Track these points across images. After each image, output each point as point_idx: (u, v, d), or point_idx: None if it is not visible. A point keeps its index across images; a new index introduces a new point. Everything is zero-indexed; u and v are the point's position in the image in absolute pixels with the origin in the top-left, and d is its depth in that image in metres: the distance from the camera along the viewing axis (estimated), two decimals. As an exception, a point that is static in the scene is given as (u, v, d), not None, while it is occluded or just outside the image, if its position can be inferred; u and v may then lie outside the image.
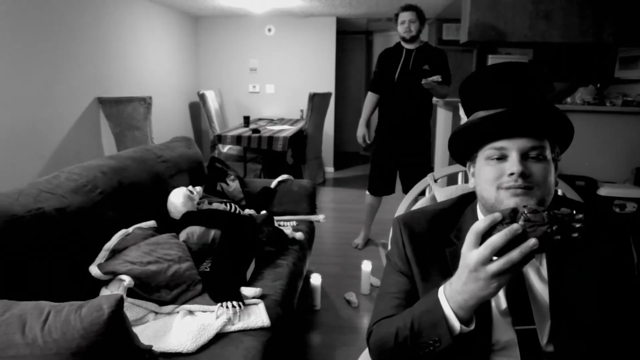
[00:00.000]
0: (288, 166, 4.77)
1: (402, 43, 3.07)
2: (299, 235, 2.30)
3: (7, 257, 1.27)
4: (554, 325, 0.84)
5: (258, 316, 1.54)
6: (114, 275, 1.53)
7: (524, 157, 0.82)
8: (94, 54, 3.66)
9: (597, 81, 3.42)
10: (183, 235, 1.91)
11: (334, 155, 6.14)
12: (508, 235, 0.66)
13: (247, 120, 5.07)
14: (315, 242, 2.78)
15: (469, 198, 0.99)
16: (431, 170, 3.15)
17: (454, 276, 0.74)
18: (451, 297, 0.74)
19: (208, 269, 1.79)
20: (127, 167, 2.02)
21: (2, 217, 1.30)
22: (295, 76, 5.91)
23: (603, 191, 2.94)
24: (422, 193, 1.55)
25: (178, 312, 1.57)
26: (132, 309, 1.49)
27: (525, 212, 0.67)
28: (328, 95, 5.19)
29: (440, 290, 0.77)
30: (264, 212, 2.41)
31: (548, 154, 0.84)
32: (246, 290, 1.65)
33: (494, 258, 0.67)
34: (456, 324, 0.74)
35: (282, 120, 5.60)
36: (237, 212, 2.31)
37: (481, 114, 0.88)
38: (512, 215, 0.69)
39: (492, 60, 3.62)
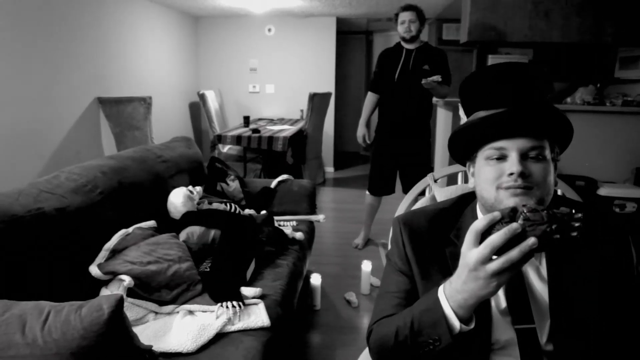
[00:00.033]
0: (288, 166, 4.77)
1: (402, 43, 3.07)
2: (299, 235, 2.30)
3: (7, 257, 1.27)
4: (553, 325, 0.84)
5: (258, 316, 1.54)
6: (114, 275, 1.53)
7: (523, 157, 0.83)
8: (94, 54, 3.66)
9: (597, 81, 3.42)
10: (183, 235, 1.91)
11: (334, 155, 6.14)
12: (507, 235, 0.66)
13: (247, 120, 5.07)
14: (315, 242, 2.78)
15: (469, 198, 0.99)
16: (431, 170, 3.15)
17: (454, 275, 0.74)
18: (451, 296, 0.74)
19: (208, 269, 1.79)
20: (127, 167, 2.02)
21: (2, 217, 1.30)
22: (295, 76, 5.91)
23: (603, 191, 2.94)
24: (422, 193, 1.55)
25: (178, 312, 1.57)
26: (132, 309, 1.49)
27: (525, 211, 0.68)
28: (328, 95, 5.19)
29: (440, 289, 0.77)
30: (264, 212, 2.41)
31: (547, 154, 0.85)
32: (246, 290, 1.65)
33: (494, 257, 0.68)
34: (456, 323, 0.74)
35: (282, 120, 5.60)
36: (237, 212, 2.31)
37: (481, 114, 0.88)
38: (511, 215, 0.69)
39: (492, 60, 3.62)
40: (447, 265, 0.89)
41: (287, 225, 2.49)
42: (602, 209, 0.95)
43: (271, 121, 5.54)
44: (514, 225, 0.67)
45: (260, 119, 5.75)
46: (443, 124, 4.43)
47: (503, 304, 0.87)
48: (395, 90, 3.06)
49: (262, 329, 1.51)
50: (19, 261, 1.30)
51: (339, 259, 3.22)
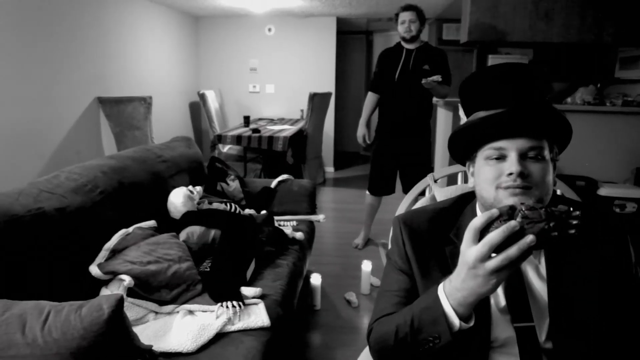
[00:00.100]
0: (288, 166, 4.77)
1: (403, 43, 3.07)
2: (299, 235, 2.30)
3: (7, 256, 1.27)
4: (552, 323, 0.85)
5: (258, 316, 1.54)
6: (114, 275, 1.53)
7: (522, 157, 0.83)
8: (94, 54, 3.66)
9: (598, 81, 3.42)
10: (183, 235, 1.91)
11: (334, 155, 6.15)
12: (506, 232, 0.67)
13: (247, 120, 5.07)
14: (316, 242, 2.78)
15: (469, 197, 1.00)
16: (431, 170, 3.15)
17: (454, 273, 0.75)
18: (451, 294, 0.75)
19: (208, 269, 1.79)
20: (127, 167, 2.02)
21: (2, 217, 1.30)
22: (295, 76, 5.91)
23: (603, 191, 2.94)
24: (422, 193, 1.55)
25: (178, 312, 1.57)
26: (132, 309, 1.49)
27: (523, 209, 0.68)
28: (328, 95, 5.19)
29: (440, 287, 0.78)
30: (264, 212, 2.41)
31: (547, 154, 0.85)
32: (246, 290, 1.65)
33: (493, 255, 0.68)
34: (456, 321, 0.75)
35: (282, 120, 5.60)
36: (237, 212, 2.31)
37: (481, 114, 0.88)
38: (510, 213, 0.69)
39: (492, 60, 3.61)
40: (447, 264, 0.89)
41: (287, 225, 2.49)
42: (601, 209, 0.96)
43: (271, 121, 5.54)
44: (513, 223, 0.67)
45: (260, 119, 5.75)
46: (443, 123, 4.43)
47: (502, 302, 0.87)
48: (396, 90, 3.06)
49: (262, 329, 1.51)
50: (19, 261, 1.30)
51: (339, 259, 3.22)
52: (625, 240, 0.90)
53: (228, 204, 2.32)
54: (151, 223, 1.93)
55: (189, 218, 2.02)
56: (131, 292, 1.52)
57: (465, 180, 1.41)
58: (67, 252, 1.48)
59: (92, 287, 1.52)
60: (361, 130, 3.27)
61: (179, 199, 2.09)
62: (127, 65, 4.21)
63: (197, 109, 5.91)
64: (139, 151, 2.27)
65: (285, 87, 5.96)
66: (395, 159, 3.18)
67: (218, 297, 1.59)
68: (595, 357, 0.84)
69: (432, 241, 0.95)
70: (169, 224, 1.99)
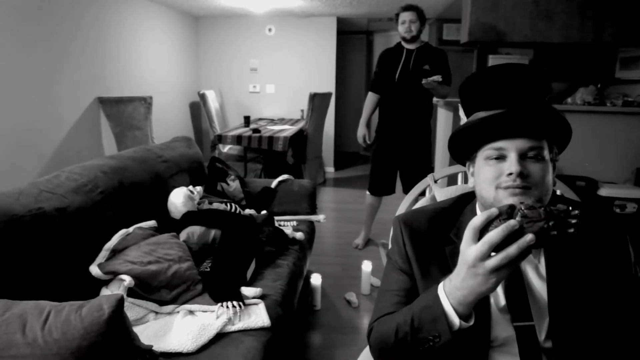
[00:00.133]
0: (288, 166, 4.77)
1: (403, 43, 3.07)
2: (299, 235, 2.30)
3: (7, 256, 1.27)
4: (552, 322, 0.85)
5: (258, 316, 1.54)
6: (114, 275, 1.53)
7: (522, 157, 0.84)
8: (95, 54, 3.66)
9: (598, 81, 3.42)
10: (183, 235, 1.92)
11: (334, 155, 6.15)
12: (505, 231, 0.67)
13: (247, 120, 5.08)
14: (316, 242, 2.78)
15: (469, 197, 1.00)
16: (432, 170, 3.15)
17: (453, 272, 0.75)
18: (451, 293, 0.75)
19: (208, 269, 1.79)
20: (127, 167, 2.02)
21: (2, 217, 1.30)
22: (295, 76, 5.91)
23: (603, 192, 2.94)
24: (423, 193, 1.55)
25: (178, 312, 1.57)
26: (133, 309, 1.49)
27: (522, 208, 0.69)
28: (328, 95, 5.19)
29: (440, 286, 0.78)
30: (264, 212, 2.41)
31: (546, 154, 0.86)
32: (246, 290, 1.65)
33: (492, 254, 0.68)
34: (455, 320, 0.75)
35: (282, 120, 5.60)
36: (237, 212, 2.31)
37: (481, 114, 0.89)
38: (509, 212, 0.70)
39: (492, 60, 3.61)
40: (447, 264, 0.90)
41: (288, 225, 2.49)
42: (600, 209, 0.96)
43: (271, 121, 5.55)
44: (512, 222, 0.67)
45: (260, 119, 5.75)
46: (443, 124, 4.43)
47: (502, 301, 0.88)
48: (396, 90, 3.06)
49: (262, 329, 1.51)
50: (19, 261, 1.30)
51: (339, 259, 3.22)
52: (625, 240, 0.91)
53: (228, 204, 2.32)
54: (151, 223, 1.93)
55: (189, 218, 2.02)
56: (131, 292, 1.52)
57: (465, 181, 1.41)
58: (67, 252, 1.49)
59: (93, 287, 1.52)
60: (361, 131, 3.27)
61: (179, 199, 2.10)
62: (128, 65, 4.21)
63: (198, 109, 5.91)
64: (139, 151, 2.27)
65: (286, 87, 5.96)
66: (396, 159, 3.18)
67: (218, 297, 1.59)
68: (594, 356, 0.85)
69: (432, 241, 0.95)
70: (169, 224, 1.99)
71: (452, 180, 2.97)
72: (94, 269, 1.52)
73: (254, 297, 1.65)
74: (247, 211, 2.41)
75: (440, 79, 2.82)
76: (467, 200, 1.00)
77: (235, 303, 1.55)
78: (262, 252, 2.02)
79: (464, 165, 0.98)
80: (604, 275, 0.87)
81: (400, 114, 3.09)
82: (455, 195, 1.05)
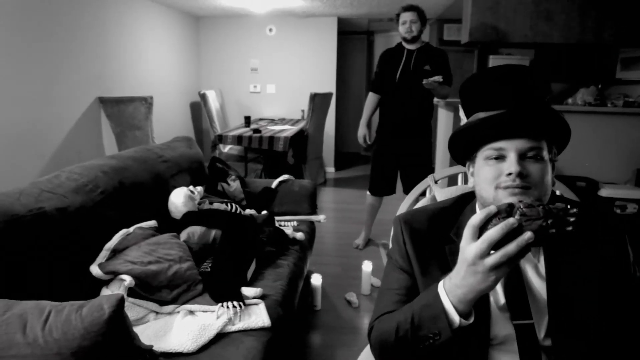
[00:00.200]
0: (289, 166, 4.77)
1: (403, 43, 3.07)
2: (299, 235, 2.31)
3: (7, 256, 1.27)
4: (551, 321, 0.86)
5: (259, 316, 1.54)
6: (114, 275, 1.53)
7: (521, 157, 0.84)
8: (95, 54, 3.67)
9: (599, 82, 3.42)
10: (184, 235, 1.92)
11: (334, 155, 6.15)
12: (504, 229, 0.67)
13: (248, 120, 5.08)
14: (316, 243, 2.78)
15: (469, 197, 1.01)
16: (432, 170, 3.15)
17: (453, 271, 0.76)
18: (451, 291, 0.76)
19: (209, 269, 1.79)
20: (128, 167, 2.02)
21: (3, 217, 1.30)
22: (296, 76, 5.91)
23: (604, 192, 2.93)
24: (423, 194, 1.55)
25: (179, 312, 1.57)
26: (133, 309, 1.49)
27: (521, 206, 0.69)
28: (329, 95, 5.19)
29: (440, 284, 0.79)
30: (264, 212, 2.41)
31: (545, 154, 0.86)
32: (247, 291, 1.66)
33: (492, 252, 0.69)
34: (455, 318, 0.75)
35: (283, 121, 5.60)
36: (238, 212, 2.31)
37: (481, 115, 0.89)
38: (508, 210, 0.70)
39: (493, 60, 3.61)
40: (447, 263, 0.90)
41: (288, 225, 2.49)
42: (599, 209, 0.97)
43: (272, 121, 5.55)
44: (511, 220, 0.68)
45: (261, 119, 5.75)
46: (444, 124, 4.43)
47: (502, 300, 0.88)
48: (397, 90, 3.06)
49: (262, 329, 1.51)
50: (19, 261, 1.30)
51: (340, 260, 3.22)
52: (624, 239, 0.91)
53: (229, 204, 2.32)
54: (152, 223, 1.93)
55: (190, 218, 2.02)
56: (132, 292, 1.52)
57: (466, 182, 1.41)
58: (67, 252, 1.49)
59: (93, 287, 1.52)
60: (362, 131, 3.27)
61: (179, 199, 2.10)
62: (128, 65, 4.21)
63: (198, 109, 5.92)
64: (139, 151, 2.27)
65: (286, 87, 5.96)
66: (396, 159, 3.18)
67: (219, 297, 1.59)
68: (593, 355, 0.85)
69: (432, 240, 0.95)
70: (169, 224, 1.99)
71: (452, 180, 2.97)
72: (95, 269, 1.53)
73: (254, 297, 1.65)
74: (248, 211, 2.41)
75: (441, 80, 2.82)
76: (467, 200, 1.00)
77: (235, 303, 1.55)
78: (262, 252, 2.02)
79: (464, 165, 0.99)
80: (604, 275, 0.87)
81: (400, 115, 3.09)
82: (456, 195, 1.05)
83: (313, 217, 2.67)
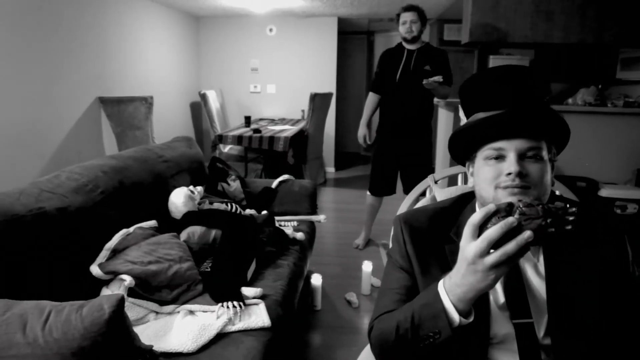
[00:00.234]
0: (289, 166, 4.77)
1: (404, 43, 3.07)
2: (299, 235, 2.31)
3: (7, 256, 1.27)
4: (550, 320, 0.86)
5: (259, 316, 1.54)
6: (114, 274, 1.53)
7: (521, 157, 0.85)
8: (95, 54, 3.67)
9: (599, 82, 3.42)
10: (184, 235, 1.92)
11: (334, 155, 6.15)
12: (504, 228, 0.68)
13: (248, 120, 5.08)
14: (316, 243, 2.78)
15: (469, 197, 1.01)
16: (432, 170, 3.15)
17: (453, 270, 0.76)
18: (450, 290, 0.76)
19: (209, 269, 1.79)
20: (128, 167, 2.02)
21: (3, 217, 1.30)
22: (296, 76, 5.91)
23: (604, 192, 2.93)
24: (423, 194, 1.55)
25: (179, 312, 1.57)
26: (133, 309, 1.49)
27: (521, 205, 0.69)
28: (329, 95, 5.19)
29: (440, 283, 0.79)
30: (264, 212, 2.41)
31: (545, 154, 0.86)
32: (247, 291, 1.66)
33: (491, 251, 0.69)
34: (455, 316, 0.76)
35: (283, 121, 5.60)
36: (238, 212, 2.31)
37: (480, 115, 0.90)
38: (507, 209, 0.70)
39: (493, 60, 3.62)
40: (447, 262, 0.91)
41: (288, 225, 2.49)
42: (599, 209, 0.98)
43: (272, 121, 5.55)
44: (510, 219, 0.68)
45: (261, 119, 5.76)
46: (444, 124, 4.43)
47: (501, 299, 0.89)
48: (397, 90, 3.06)
49: (262, 329, 1.51)
50: (19, 261, 1.30)
51: (340, 260, 3.22)
52: (623, 239, 0.91)
53: (229, 204, 2.32)
54: (152, 223, 1.93)
55: (190, 218, 2.02)
56: (132, 292, 1.52)
57: (465, 182, 1.41)
58: (67, 251, 1.49)
59: (93, 287, 1.52)
60: (362, 131, 3.27)
61: (179, 199, 2.10)
62: (128, 65, 4.21)
63: (198, 109, 5.92)
64: (140, 151, 2.27)
65: (286, 87, 5.96)
66: (396, 159, 3.18)
67: (219, 297, 1.59)
68: (593, 354, 0.86)
69: (432, 239, 0.96)
70: (169, 224, 1.99)
71: (452, 180, 2.97)
72: (95, 269, 1.53)
73: (254, 297, 1.65)
74: (248, 211, 2.41)
75: (441, 80, 2.82)
76: (467, 200, 1.00)
77: (235, 303, 1.55)
78: (262, 252, 2.02)
79: (464, 165, 0.99)
80: (603, 274, 0.88)
81: (401, 115, 3.09)
82: (455, 195, 1.06)
83: (313, 217, 2.67)
